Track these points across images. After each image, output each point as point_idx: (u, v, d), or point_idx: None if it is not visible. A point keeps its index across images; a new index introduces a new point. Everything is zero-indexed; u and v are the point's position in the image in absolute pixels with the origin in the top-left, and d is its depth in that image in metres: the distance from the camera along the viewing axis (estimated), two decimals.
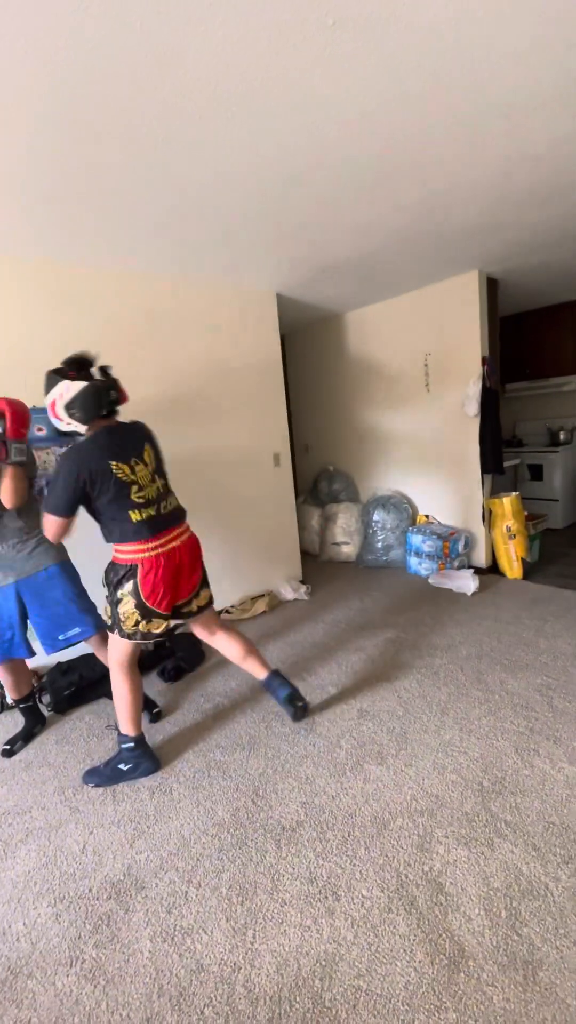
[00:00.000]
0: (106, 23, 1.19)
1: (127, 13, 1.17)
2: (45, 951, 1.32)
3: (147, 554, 1.76)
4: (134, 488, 1.74)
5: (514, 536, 3.65)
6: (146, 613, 1.79)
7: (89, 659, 2.69)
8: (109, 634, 1.89)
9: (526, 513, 3.86)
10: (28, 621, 2.06)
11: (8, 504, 1.88)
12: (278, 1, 1.17)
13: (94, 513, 1.79)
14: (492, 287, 3.71)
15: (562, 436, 4.99)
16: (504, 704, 2.17)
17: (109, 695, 2.52)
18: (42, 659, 2.64)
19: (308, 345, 4.93)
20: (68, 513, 1.70)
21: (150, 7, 1.16)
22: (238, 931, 1.32)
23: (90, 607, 2.11)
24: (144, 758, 1.92)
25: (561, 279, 3.95)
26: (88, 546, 2.07)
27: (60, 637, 2.05)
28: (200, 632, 2.12)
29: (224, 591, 3.49)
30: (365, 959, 1.23)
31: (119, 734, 1.93)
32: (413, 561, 3.99)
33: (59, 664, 2.64)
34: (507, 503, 3.67)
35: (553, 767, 1.78)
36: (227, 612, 3.43)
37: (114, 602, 1.81)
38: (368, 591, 3.72)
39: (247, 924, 1.34)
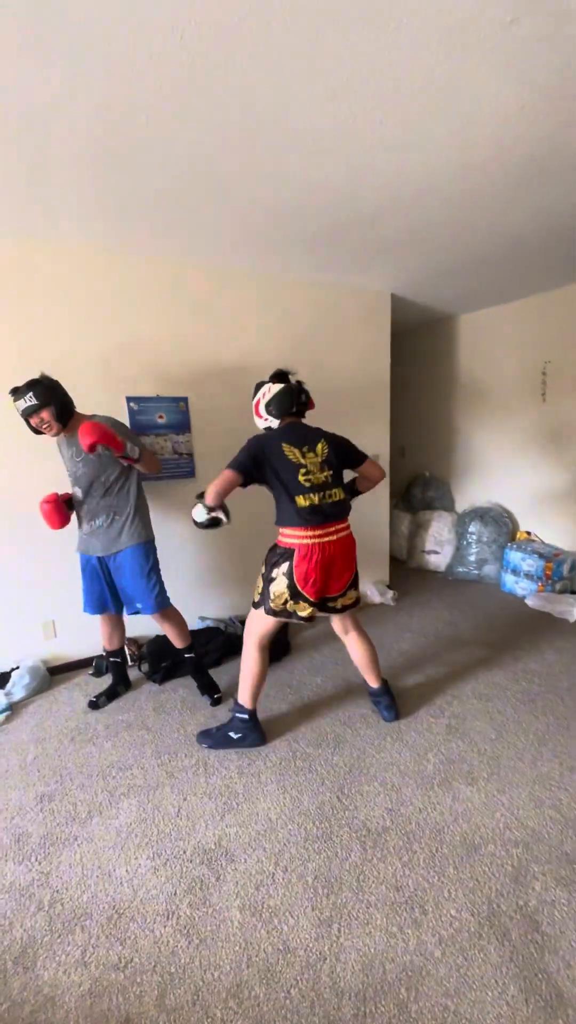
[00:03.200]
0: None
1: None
2: (145, 899, 1.43)
3: (306, 541, 1.91)
4: (302, 471, 1.93)
5: None
6: (295, 595, 1.93)
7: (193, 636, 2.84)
8: (253, 610, 2.03)
9: None
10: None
11: (155, 470, 2.27)
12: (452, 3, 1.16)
13: (272, 490, 1.98)
14: None
15: None
16: None
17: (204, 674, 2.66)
18: (143, 629, 2.85)
19: (415, 346, 4.82)
20: (238, 469, 1.89)
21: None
22: (323, 922, 1.35)
23: (153, 588, 2.27)
24: (254, 731, 2.06)
25: None
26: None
27: (127, 608, 2.34)
28: (337, 627, 2.20)
29: None
30: (454, 979, 1.20)
31: (235, 703, 2.07)
32: (509, 579, 3.79)
33: (158, 636, 2.82)
34: None
35: None
36: None
37: (268, 580, 1.96)
38: (457, 604, 3.59)
39: (332, 917, 1.36)
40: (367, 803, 1.76)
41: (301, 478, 1.92)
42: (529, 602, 3.51)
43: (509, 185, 2.02)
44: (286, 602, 1.94)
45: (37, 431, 2.09)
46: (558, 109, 1.57)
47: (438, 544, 4.30)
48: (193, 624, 3.01)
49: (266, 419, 2.04)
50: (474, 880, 1.45)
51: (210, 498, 1.88)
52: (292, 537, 1.93)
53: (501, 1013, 1.13)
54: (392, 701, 2.24)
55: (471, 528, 4.07)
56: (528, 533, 4.00)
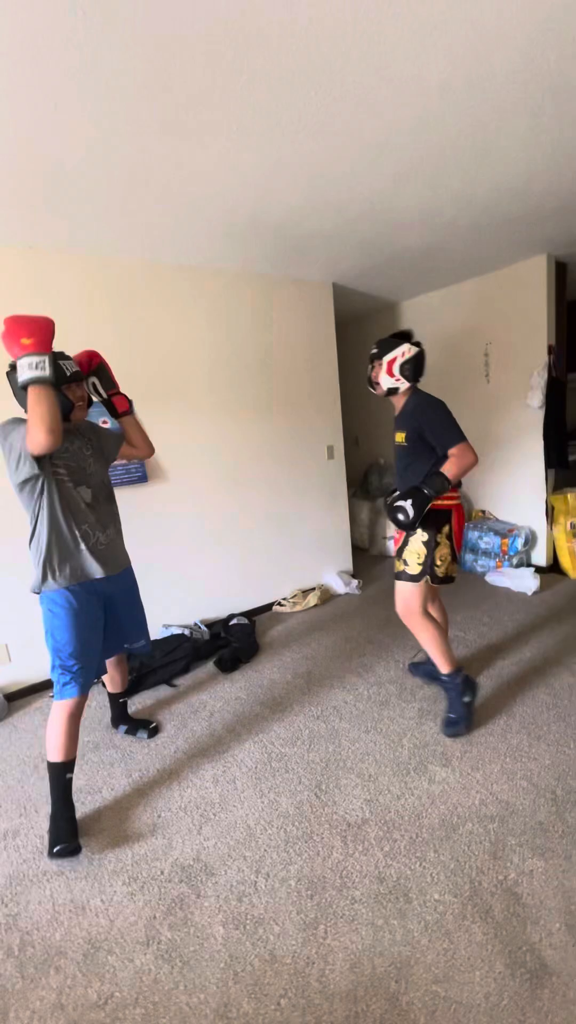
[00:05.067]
0: None
1: None
2: (123, 929, 1.36)
3: (457, 501, 1.99)
4: None
5: None
6: (454, 556, 2.00)
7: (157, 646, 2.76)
8: (412, 585, 1.99)
9: None
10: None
11: (151, 451, 1.93)
12: None
13: (426, 453, 1.95)
14: (561, 271, 3.51)
15: None
16: (574, 709, 2.08)
17: (169, 682, 2.59)
18: None
19: (361, 335, 4.84)
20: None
21: None
22: (309, 925, 1.32)
23: (145, 619, 1.99)
24: (470, 682, 2.04)
25: None
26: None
27: (125, 644, 1.95)
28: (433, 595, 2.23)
29: (277, 583, 3.51)
30: (442, 964, 1.20)
31: (445, 678, 2.02)
32: (468, 558, 3.88)
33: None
34: (571, 499, 3.50)
35: None
36: (279, 604, 3.45)
37: (432, 545, 1.95)
38: None
39: (318, 919, 1.34)
40: (345, 797, 1.74)
41: None
42: (489, 579, 3.60)
43: (432, 171, 2.03)
44: (447, 565, 1.98)
45: (67, 412, 1.62)
46: (484, 90, 1.58)
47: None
48: (156, 633, 2.92)
49: (397, 379, 1.95)
50: (455, 861, 1.46)
51: (472, 462, 1.86)
52: (449, 499, 1.96)
53: (490, 991, 1.14)
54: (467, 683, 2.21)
55: None
56: (483, 512, 4.10)
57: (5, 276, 2.36)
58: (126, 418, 1.84)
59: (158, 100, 1.47)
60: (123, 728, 2.21)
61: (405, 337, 1.98)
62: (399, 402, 2.04)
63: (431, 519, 1.94)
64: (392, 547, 4.38)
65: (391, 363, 1.94)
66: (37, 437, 1.41)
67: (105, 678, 2.13)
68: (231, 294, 3.07)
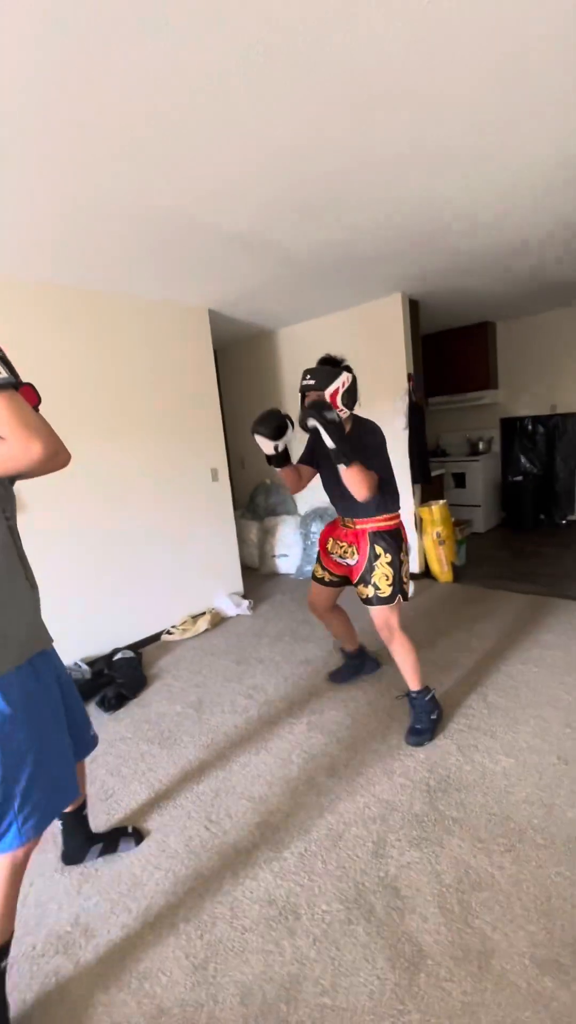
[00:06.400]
0: None
1: None
2: None
3: (400, 519, 2.09)
4: None
5: (443, 542, 3.86)
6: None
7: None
8: (387, 607, 2.02)
9: (453, 519, 4.09)
10: None
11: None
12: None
13: (383, 474, 1.96)
14: (414, 308, 3.94)
15: (481, 446, 5.37)
16: (444, 705, 2.27)
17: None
18: None
19: (242, 360, 4.96)
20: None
21: None
22: (199, 967, 1.28)
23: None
24: (436, 701, 2.14)
25: (473, 302, 4.28)
26: None
27: (92, 731, 1.51)
28: (332, 601, 2.41)
29: (165, 610, 3.41)
30: (328, 974, 1.23)
31: (414, 695, 2.09)
32: None
33: None
34: (436, 510, 3.88)
35: (492, 761, 1.89)
36: (168, 633, 3.34)
37: (399, 565, 2.01)
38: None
39: (208, 958, 1.30)
40: (236, 824, 1.72)
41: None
42: None
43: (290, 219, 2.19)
44: (409, 581, 2.08)
45: None
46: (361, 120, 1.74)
47: (286, 547, 4.47)
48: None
49: (341, 411, 1.80)
50: (340, 868, 1.52)
51: (365, 494, 1.82)
52: (398, 518, 2.07)
53: (373, 989, 1.19)
54: (372, 658, 2.62)
55: (313, 528, 4.31)
56: None
57: None
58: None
59: None
60: (95, 850, 1.62)
61: (336, 363, 1.92)
62: None
63: (393, 541, 2.03)
64: (279, 565, 4.48)
65: (334, 395, 1.80)
66: (33, 448, 0.99)
67: None
68: (110, 316, 2.99)
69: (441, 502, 3.96)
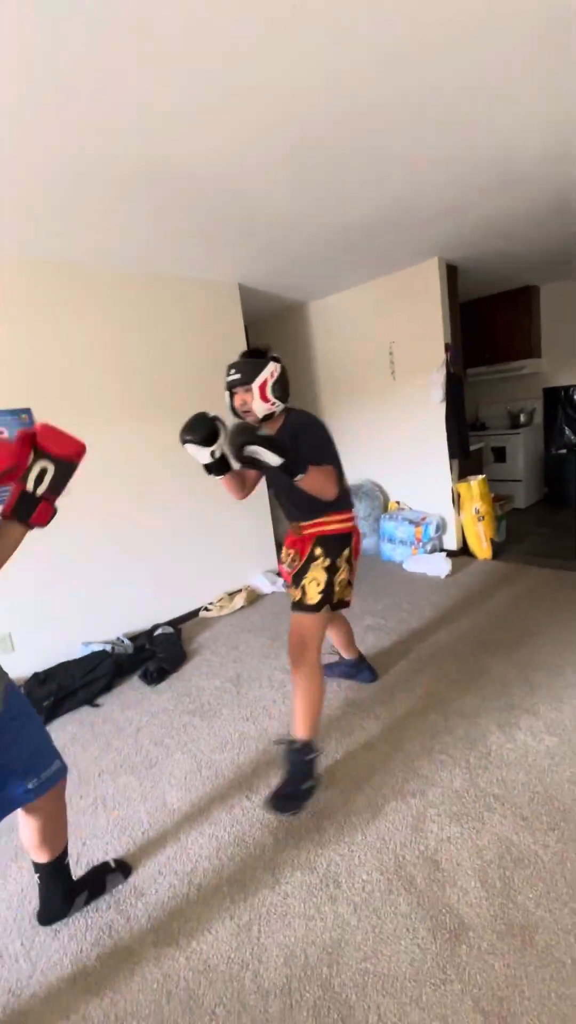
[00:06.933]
0: None
1: None
2: (46, 970, 1.29)
3: (354, 522, 1.89)
4: None
5: (483, 518, 3.76)
6: (350, 580, 1.91)
7: (68, 667, 2.63)
8: (309, 617, 1.78)
9: (492, 495, 3.97)
10: None
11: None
12: None
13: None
14: (452, 273, 3.76)
15: (522, 418, 5.14)
16: (484, 683, 2.24)
17: (90, 702, 2.48)
18: (18, 670, 2.56)
19: (271, 336, 4.88)
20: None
21: None
22: (243, 928, 1.33)
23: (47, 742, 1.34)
24: (315, 768, 1.75)
25: (514, 265, 4.05)
26: None
27: (30, 784, 1.23)
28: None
29: (202, 588, 3.47)
30: (370, 941, 1.25)
31: (297, 746, 1.72)
32: (387, 548, 4.05)
33: (36, 675, 2.56)
34: (475, 486, 3.77)
35: (535, 739, 1.85)
36: (205, 609, 3.41)
37: (333, 570, 1.81)
38: None
39: (251, 920, 1.34)
40: None
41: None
42: (406, 566, 3.79)
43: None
44: (344, 589, 1.88)
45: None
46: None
47: None
48: (76, 652, 2.77)
49: (272, 404, 1.70)
50: (380, 840, 1.53)
51: (333, 493, 1.68)
52: (348, 520, 1.86)
53: (414, 957, 1.21)
54: (370, 667, 2.38)
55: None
56: (398, 503, 4.30)
57: None
58: None
59: None
60: (79, 901, 1.42)
61: (261, 354, 1.75)
62: (274, 426, 1.79)
63: (333, 544, 1.83)
64: None
65: (263, 387, 1.68)
66: None
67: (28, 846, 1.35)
68: (143, 298, 3.00)
69: (480, 477, 3.84)
